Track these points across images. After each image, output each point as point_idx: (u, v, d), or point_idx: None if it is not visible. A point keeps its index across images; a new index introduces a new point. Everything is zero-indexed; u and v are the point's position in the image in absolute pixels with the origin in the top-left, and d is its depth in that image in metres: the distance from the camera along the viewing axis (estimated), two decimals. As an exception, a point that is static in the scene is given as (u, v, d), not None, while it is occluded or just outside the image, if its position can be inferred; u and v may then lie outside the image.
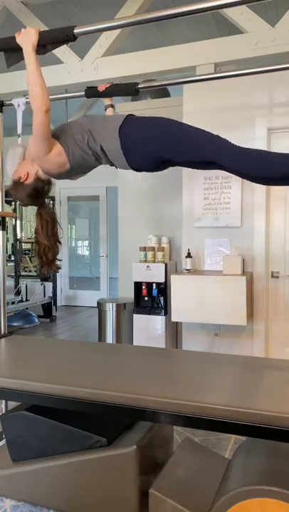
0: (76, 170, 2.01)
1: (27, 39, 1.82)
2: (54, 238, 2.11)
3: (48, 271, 2.19)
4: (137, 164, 1.92)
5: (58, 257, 2.17)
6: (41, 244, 2.10)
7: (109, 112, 2.46)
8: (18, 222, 7.56)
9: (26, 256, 8.12)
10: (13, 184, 2.05)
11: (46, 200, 2.14)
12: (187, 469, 2.01)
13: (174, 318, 3.50)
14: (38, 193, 2.05)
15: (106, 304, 4.31)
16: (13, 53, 1.94)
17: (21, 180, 2.01)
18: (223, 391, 1.70)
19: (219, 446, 2.63)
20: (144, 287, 3.97)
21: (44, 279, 7.28)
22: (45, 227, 2.08)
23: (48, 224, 2.08)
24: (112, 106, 2.48)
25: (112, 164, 2.00)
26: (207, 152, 1.78)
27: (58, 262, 2.17)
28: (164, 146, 1.82)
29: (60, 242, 2.14)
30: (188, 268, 3.66)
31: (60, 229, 2.16)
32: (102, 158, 1.96)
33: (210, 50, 3.73)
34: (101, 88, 2.45)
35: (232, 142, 1.78)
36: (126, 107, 4.53)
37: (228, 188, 3.64)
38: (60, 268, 2.20)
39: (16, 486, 2.11)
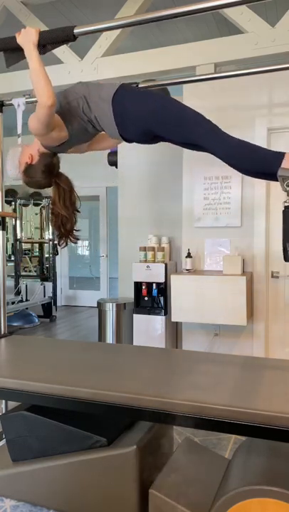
0: (75, 139, 1.99)
1: (27, 39, 1.83)
2: (72, 207, 2.06)
3: (66, 242, 2.13)
4: (128, 135, 1.92)
5: (76, 227, 2.12)
6: (58, 214, 2.05)
7: None
8: (18, 222, 7.57)
9: (26, 256, 8.12)
10: (24, 173, 2.03)
11: (59, 171, 2.09)
12: (187, 469, 2.01)
13: (174, 318, 3.50)
14: (50, 167, 2.03)
15: (106, 304, 4.31)
16: (13, 53, 1.95)
17: (29, 163, 1.99)
18: (223, 391, 1.70)
19: (219, 446, 2.63)
20: (144, 287, 3.97)
21: (44, 279, 7.28)
22: (63, 197, 2.03)
23: (66, 193, 2.04)
24: None
25: (104, 131, 1.99)
26: (198, 137, 1.79)
27: (76, 233, 2.12)
28: (157, 122, 1.82)
29: (78, 211, 2.09)
30: (188, 268, 3.66)
31: (78, 198, 2.12)
32: (96, 126, 1.95)
33: (210, 50, 3.73)
34: (101, 88, 2.44)
35: (221, 130, 1.81)
36: (126, 107, 4.52)
37: (228, 188, 3.64)
38: (78, 239, 2.14)
39: (16, 486, 2.11)
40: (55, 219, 2.07)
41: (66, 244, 2.17)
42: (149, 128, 1.85)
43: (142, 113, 1.84)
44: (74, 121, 1.92)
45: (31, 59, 1.81)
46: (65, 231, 2.08)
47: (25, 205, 8.25)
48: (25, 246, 8.03)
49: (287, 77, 3.43)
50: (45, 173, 2.03)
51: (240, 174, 3.58)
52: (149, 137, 1.91)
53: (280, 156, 1.69)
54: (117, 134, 1.93)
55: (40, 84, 1.78)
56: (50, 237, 7.06)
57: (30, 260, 8.20)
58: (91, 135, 2.05)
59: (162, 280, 3.89)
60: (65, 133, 1.93)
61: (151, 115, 1.82)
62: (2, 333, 2.77)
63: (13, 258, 7.51)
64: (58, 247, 2.22)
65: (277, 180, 1.69)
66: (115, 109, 1.85)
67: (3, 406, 2.73)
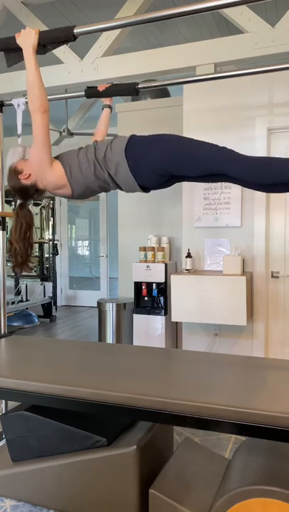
0: (77, 196, 2.02)
1: (27, 41, 1.84)
2: (26, 243, 2.08)
3: (19, 271, 2.17)
4: (146, 182, 1.92)
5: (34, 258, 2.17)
6: (13, 245, 2.08)
7: (105, 112, 2.46)
8: (18, 222, 7.56)
9: (26, 256, 8.11)
10: (11, 170, 2.04)
11: (38, 200, 2.14)
12: (187, 469, 2.01)
13: (174, 318, 3.50)
14: (25, 194, 2.06)
15: (106, 304, 4.32)
16: (14, 53, 1.95)
17: (19, 176, 2.00)
18: (223, 391, 1.70)
19: (219, 446, 2.63)
20: (144, 287, 3.97)
21: (44, 279, 7.28)
22: (19, 230, 2.06)
23: (22, 227, 2.06)
24: (109, 107, 2.48)
25: (119, 188, 2.01)
26: (215, 164, 1.77)
27: (30, 264, 2.14)
28: (172, 162, 1.82)
29: (32, 247, 2.12)
30: (188, 268, 3.66)
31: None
32: (110, 184, 1.96)
33: (210, 50, 3.73)
34: (101, 88, 2.45)
35: (236, 151, 1.78)
36: (126, 107, 4.53)
37: (228, 188, 3.64)
38: (32, 269, 2.17)
39: (16, 486, 2.11)
40: (10, 247, 2.10)
41: (21, 272, 2.20)
42: (166, 169, 1.85)
43: (157, 156, 1.84)
44: (81, 181, 1.94)
45: (29, 64, 1.84)
46: (16, 262, 2.10)
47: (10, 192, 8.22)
48: (25, 246, 8.02)
49: (287, 77, 3.43)
50: (17, 191, 2.05)
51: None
52: (166, 179, 1.90)
53: None
54: (135, 186, 1.93)
55: (35, 90, 1.82)
56: (50, 237, 7.06)
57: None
58: (93, 195, 2.06)
59: (162, 280, 3.90)
60: (65, 183, 1.95)
61: (165, 156, 1.82)
62: (2, 333, 2.77)
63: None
64: (14, 271, 2.24)
65: None
66: (129, 160, 1.87)
67: (3, 406, 2.73)
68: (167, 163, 1.83)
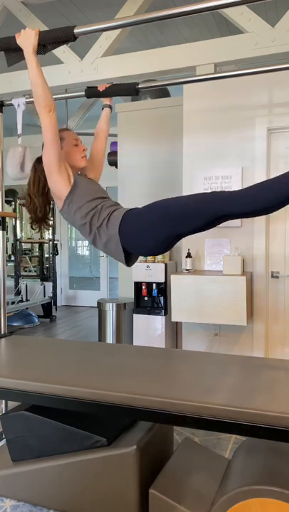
0: (63, 214, 2.01)
1: (27, 41, 1.84)
2: (44, 198, 2.08)
3: (39, 228, 2.15)
4: (144, 253, 1.93)
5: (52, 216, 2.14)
6: (32, 199, 2.07)
7: (105, 112, 2.45)
8: (18, 222, 7.57)
9: (26, 256, 8.12)
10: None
11: None
12: (187, 469, 2.01)
13: (174, 318, 3.50)
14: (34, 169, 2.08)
15: (106, 304, 4.32)
16: (14, 53, 1.95)
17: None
18: (223, 391, 1.70)
19: (219, 446, 2.63)
20: (144, 287, 3.97)
21: (44, 279, 7.28)
22: (37, 185, 2.05)
23: (40, 182, 2.06)
24: (110, 107, 2.48)
25: (97, 247, 2.01)
26: (209, 212, 1.74)
27: (49, 221, 2.14)
28: (168, 227, 1.80)
29: (50, 204, 2.11)
30: (188, 268, 3.66)
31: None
32: (94, 240, 1.96)
33: (210, 50, 3.73)
34: (101, 88, 2.45)
35: (225, 191, 1.76)
36: (126, 107, 4.53)
37: (228, 189, 3.64)
38: (51, 226, 2.15)
39: (16, 486, 2.11)
40: (28, 202, 2.09)
41: (39, 230, 2.18)
42: (165, 235, 1.82)
43: (152, 227, 1.82)
44: (71, 220, 1.95)
45: (30, 64, 1.85)
46: (36, 217, 2.10)
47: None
48: (25, 246, 8.03)
49: (287, 77, 3.43)
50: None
51: (240, 174, 3.59)
52: (168, 244, 1.88)
53: None
54: (121, 259, 1.93)
55: (38, 90, 1.83)
56: (50, 237, 7.06)
57: (30, 260, 8.20)
58: (77, 227, 2.05)
59: (162, 280, 3.90)
60: (64, 196, 1.94)
61: (161, 224, 1.80)
62: (2, 333, 2.77)
63: (13, 258, 7.52)
64: (33, 228, 2.21)
65: None
66: (122, 238, 1.87)
67: (3, 406, 2.73)
68: (166, 229, 1.80)
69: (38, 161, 2.07)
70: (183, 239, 3.79)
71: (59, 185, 1.93)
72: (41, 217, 2.10)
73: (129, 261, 1.97)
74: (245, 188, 1.72)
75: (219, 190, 1.78)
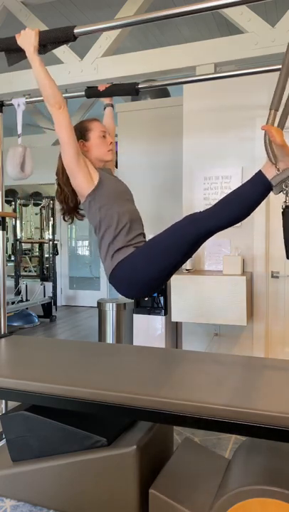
0: (85, 213, 1.99)
1: (27, 42, 1.84)
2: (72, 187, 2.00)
3: (72, 219, 2.09)
4: (151, 291, 1.94)
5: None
6: (62, 188, 2.02)
7: (108, 111, 2.46)
8: (18, 222, 7.58)
9: (26, 256, 8.12)
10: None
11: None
12: (187, 469, 2.01)
13: (174, 318, 3.50)
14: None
15: (106, 304, 4.31)
16: (15, 52, 1.95)
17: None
18: (223, 391, 1.70)
19: (219, 446, 2.63)
20: (144, 287, 3.96)
21: (44, 279, 7.28)
22: (66, 173, 1.95)
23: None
24: (111, 106, 2.48)
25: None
26: (187, 239, 1.78)
27: (81, 212, 2.08)
28: (164, 266, 1.81)
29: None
30: (188, 268, 3.66)
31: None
32: (99, 238, 1.95)
33: (210, 50, 3.73)
34: (101, 88, 2.45)
35: (195, 213, 1.79)
36: (126, 107, 4.53)
37: (228, 189, 3.64)
38: (84, 216, 2.07)
39: (16, 486, 2.11)
40: (59, 192, 2.03)
41: (72, 221, 2.11)
42: (161, 275, 1.84)
43: (145, 274, 1.84)
44: (96, 207, 1.91)
45: (33, 64, 1.84)
46: (68, 207, 2.04)
47: (25, 205, 8.25)
48: (25, 246, 8.04)
49: None
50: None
51: (240, 174, 3.59)
52: (164, 281, 1.90)
53: (259, 175, 1.66)
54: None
55: (45, 89, 1.83)
56: (50, 237, 7.06)
57: (30, 260, 8.20)
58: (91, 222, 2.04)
59: (162, 280, 3.89)
60: (87, 191, 1.90)
61: (148, 266, 1.82)
62: (2, 333, 2.77)
63: (13, 258, 7.52)
64: (65, 219, 2.15)
65: (277, 192, 1.69)
66: (112, 280, 1.92)
67: (3, 406, 2.73)
68: (156, 272, 1.82)
69: None
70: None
71: (80, 181, 1.88)
72: (73, 207, 2.04)
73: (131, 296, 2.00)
74: (212, 208, 1.75)
75: (199, 210, 1.83)
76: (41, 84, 1.83)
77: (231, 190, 1.75)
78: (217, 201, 1.75)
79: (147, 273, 1.82)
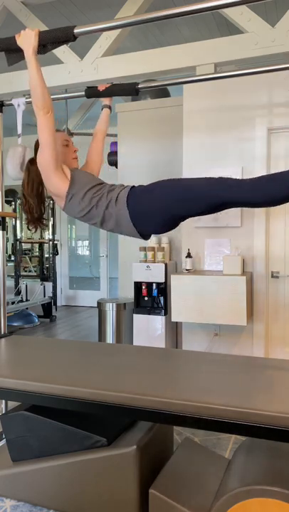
0: (67, 210, 2.03)
1: (27, 42, 1.84)
2: (39, 198, 2.11)
3: (35, 228, 2.20)
4: (151, 231, 1.96)
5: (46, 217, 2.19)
6: (27, 199, 2.12)
7: (105, 112, 2.45)
8: (18, 222, 7.57)
9: (26, 256, 8.12)
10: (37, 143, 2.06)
11: None
12: (187, 469, 2.01)
13: (174, 318, 3.50)
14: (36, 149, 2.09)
15: (106, 304, 4.31)
16: (14, 52, 1.95)
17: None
18: (223, 391, 1.70)
19: (219, 446, 2.63)
20: (144, 287, 3.97)
21: (44, 279, 7.28)
22: (31, 185, 2.09)
23: (34, 183, 2.10)
24: (109, 107, 2.48)
25: (106, 229, 2.03)
26: (215, 197, 1.77)
27: (45, 221, 2.19)
28: (173, 207, 1.84)
29: (44, 204, 2.15)
30: (188, 268, 3.66)
31: (47, 192, 2.16)
32: (103, 223, 1.98)
33: (210, 50, 3.73)
34: (101, 88, 2.44)
35: (233, 178, 1.78)
36: (126, 107, 4.53)
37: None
38: (47, 226, 2.23)
39: (16, 486, 2.11)
40: (24, 203, 2.13)
41: (35, 230, 2.23)
42: (169, 214, 1.86)
43: (158, 205, 1.86)
44: (76, 212, 1.97)
45: (30, 65, 1.85)
46: (32, 217, 2.13)
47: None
48: (25, 246, 8.03)
49: (288, 77, 3.43)
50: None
51: (240, 174, 3.59)
52: (172, 223, 1.92)
53: None
54: (135, 234, 1.96)
55: (37, 91, 1.84)
56: (50, 237, 7.06)
57: (30, 260, 8.20)
58: (80, 218, 2.07)
59: (162, 280, 3.89)
60: (63, 192, 1.96)
61: (166, 203, 1.84)
62: (2, 333, 2.77)
63: (13, 258, 7.51)
64: (29, 228, 2.26)
65: None
66: (131, 212, 1.89)
67: (3, 406, 2.73)
68: (171, 209, 1.84)
69: (31, 162, 2.12)
70: (183, 239, 3.80)
71: (57, 183, 1.96)
72: (37, 218, 2.14)
73: (144, 235, 1.98)
74: (251, 179, 1.74)
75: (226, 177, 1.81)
76: (34, 86, 1.84)
77: (270, 174, 1.75)
78: (261, 176, 1.75)
79: (159, 210, 1.85)
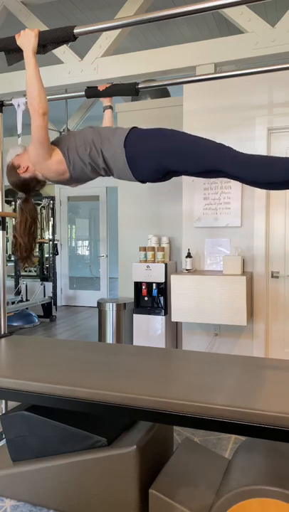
0: (75, 180, 2.03)
1: (27, 42, 1.84)
2: (30, 237, 2.14)
3: (23, 265, 2.24)
4: (143, 176, 1.93)
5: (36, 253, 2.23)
6: (17, 240, 2.13)
7: (108, 113, 2.46)
8: (18, 222, 7.56)
9: (26, 256, 8.10)
10: (9, 167, 2.05)
11: (43, 195, 2.17)
12: (187, 469, 2.01)
13: (174, 318, 3.50)
14: (26, 187, 2.08)
15: (106, 304, 4.32)
16: (14, 52, 1.95)
17: (18, 171, 2.01)
18: (223, 391, 1.70)
19: (219, 446, 2.63)
20: (144, 287, 3.97)
21: (44, 279, 7.28)
22: (24, 225, 2.10)
23: (27, 222, 2.11)
24: (110, 107, 2.48)
25: (111, 175, 2.01)
26: (213, 161, 1.77)
27: (33, 259, 2.22)
28: (170, 158, 1.83)
29: (35, 242, 2.18)
30: (188, 268, 3.66)
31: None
32: (103, 169, 1.97)
33: (210, 50, 3.73)
34: (101, 88, 2.45)
35: (234, 149, 1.78)
36: (126, 106, 4.53)
37: (228, 188, 3.64)
38: (35, 263, 2.26)
39: (16, 486, 2.11)
40: (15, 242, 2.15)
41: (24, 266, 2.28)
42: (163, 165, 1.85)
43: (154, 150, 1.85)
44: (77, 164, 1.94)
45: (29, 65, 1.84)
46: (22, 256, 2.16)
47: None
48: (25, 246, 8.01)
49: (287, 77, 3.43)
50: (18, 186, 2.08)
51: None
52: (163, 174, 1.91)
53: None
54: (130, 176, 1.94)
55: (34, 92, 1.83)
56: (50, 237, 7.06)
57: (30, 260, 8.18)
58: (88, 179, 2.07)
59: (162, 280, 3.90)
60: (65, 168, 1.95)
61: (164, 152, 1.83)
62: (2, 333, 2.77)
63: (13, 258, 7.51)
64: (19, 265, 2.32)
65: None
66: (127, 152, 1.87)
67: (3, 406, 2.73)
68: (165, 159, 1.83)
69: (25, 201, 2.12)
70: (183, 239, 3.80)
71: (54, 165, 1.94)
72: (27, 256, 2.17)
73: (138, 177, 1.96)
74: (251, 155, 1.75)
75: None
76: (31, 86, 1.83)
77: (272, 156, 1.76)
78: (255, 154, 1.76)
79: (154, 155, 1.84)
